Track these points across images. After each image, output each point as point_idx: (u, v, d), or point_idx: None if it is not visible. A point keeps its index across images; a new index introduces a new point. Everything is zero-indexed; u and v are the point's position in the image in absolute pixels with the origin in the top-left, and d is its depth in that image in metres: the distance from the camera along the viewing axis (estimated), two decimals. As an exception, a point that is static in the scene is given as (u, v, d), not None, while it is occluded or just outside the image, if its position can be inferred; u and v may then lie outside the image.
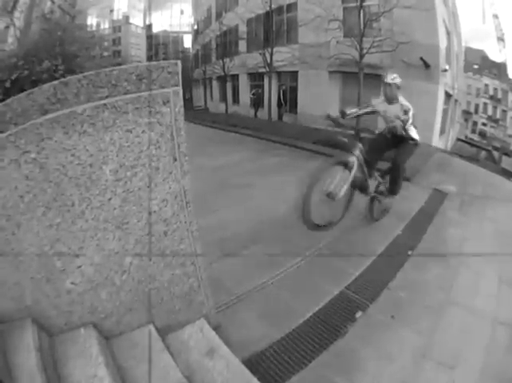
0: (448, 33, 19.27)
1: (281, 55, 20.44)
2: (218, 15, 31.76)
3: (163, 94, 1.95)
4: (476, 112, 31.18)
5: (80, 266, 1.92)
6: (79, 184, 1.81)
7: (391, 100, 4.56)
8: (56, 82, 1.71)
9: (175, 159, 2.04)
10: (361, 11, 14.96)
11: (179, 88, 2.01)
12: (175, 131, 2.01)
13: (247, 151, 10.66)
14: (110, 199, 1.89)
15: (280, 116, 22.32)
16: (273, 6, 21.74)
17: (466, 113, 30.06)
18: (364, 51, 14.75)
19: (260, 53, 20.50)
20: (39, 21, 18.89)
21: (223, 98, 29.59)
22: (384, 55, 16.04)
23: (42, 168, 1.73)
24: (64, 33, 2.56)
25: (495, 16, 28.29)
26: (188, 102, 34.40)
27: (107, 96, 1.79)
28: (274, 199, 5.46)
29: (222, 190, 6.05)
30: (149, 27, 77.69)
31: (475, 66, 30.19)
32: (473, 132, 30.90)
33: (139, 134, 1.91)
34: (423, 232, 4.59)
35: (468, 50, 25.92)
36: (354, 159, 4.32)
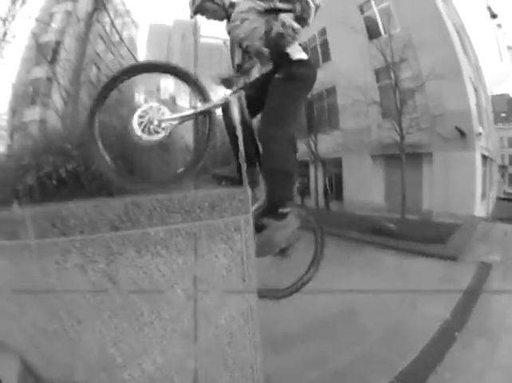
0: (476, 90, 19.25)
1: (325, 143, 20.75)
2: None
3: (234, 221, 2.09)
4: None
5: (141, 364, 1.95)
6: (149, 299, 1.89)
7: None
8: (127, 201, 1.84)
9: (244, 281, 2.14)
10: (396, 89, 15.37)
11: (250, 216, 2.16)
12: (245, 256, 2.13)
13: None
14: (180, 314, 1.97)
15: (327, 205, 22.26)
16: (312, 91, 22.65)
17: (502, 168, 29.22)
18: (404, 132, 14.93)
19: (305, 143, 20.86)
20: (87, 88, 19.15)
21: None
22: (423, 132, 16.06)
23: (111, 279, 1.82)
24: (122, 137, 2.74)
25: (510, 47, 27.71)
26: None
27: (180, 222, 1.92)
28: (324, 296, 5.45)
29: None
30: (195, 108, 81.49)
31: (503, 115, 29.59)
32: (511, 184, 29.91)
33: (211, 258, 2.03)
34: (469, 311, 4.50)
35: (494, 99, 25.21)
36: None
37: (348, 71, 20.07)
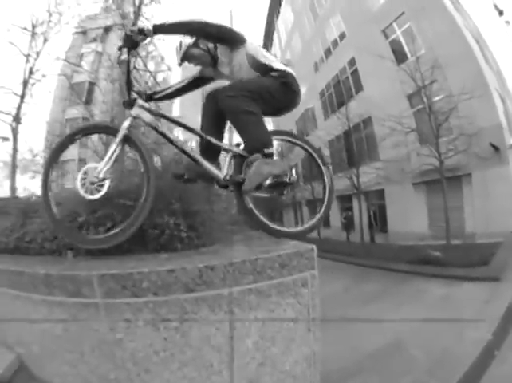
0: (502, 100, 19.04)
1: (367, 175, 20.64)
2: None
3: (301, 278, 2.20)
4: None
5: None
6: (220, 351, 1.95)
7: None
8: (201, 265, 1.93)
9: (309, 330, 2.21)
10: (431, 113, 15.31)
11: (316, 271, 2.27)
12: (311, 308, 2.22)
13: (342, 279, 10.71)
14: (248, 363, 2.01)
15: (372, 238, 22.18)
16: (350, 124, 22.72)
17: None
18: (443, 156, 14.82)
19: (348, 177, 21.05)
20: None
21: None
22: (460, 154, 15.89)
23: (184, 336, 1.88)
24: (184, 193, 2.82)
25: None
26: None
27: (252, 282, 2.02)
28: (373, 331, 5.45)
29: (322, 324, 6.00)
30: (237, 146, 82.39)
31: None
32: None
33: (280, 313, 2.10)
34: (509, 328, 4.44)
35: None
36: None
37: (381, 100, 20.25)
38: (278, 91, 2.97)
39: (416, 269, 12.35)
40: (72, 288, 1.93)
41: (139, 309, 1.87)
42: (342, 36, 27.69)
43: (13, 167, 14.86)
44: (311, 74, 32.17)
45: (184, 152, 2.85)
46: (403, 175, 19.33)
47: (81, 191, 2.47)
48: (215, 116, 3.14)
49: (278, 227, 2.99)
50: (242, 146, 2.93)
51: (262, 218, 2.96)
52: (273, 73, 2.99)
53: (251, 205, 2.99)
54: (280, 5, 43.59)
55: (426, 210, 19.76)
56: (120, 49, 2.74)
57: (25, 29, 16.14)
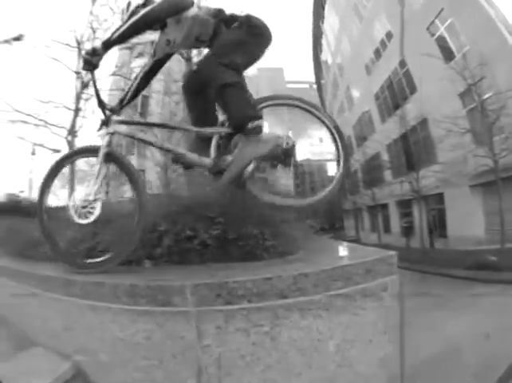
0: None
1: (426, 179, 20.30)
2: (359, 143, 32.43)
3: (383, 283, 2.25)
4: None
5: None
6: (304, 353, 2.01)
7: None
8: (296, 273, 2.01)
9: (385, 333, 2.25)
10: (483, 111, 14.89)
11: (396, 277, 2.33)
12: (389, 311, 2.28)
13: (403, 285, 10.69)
14: (327, 365, 2.06)
15: (431, 243, 21.67)
16: (407, 126, 22.37)
17: None
18: (497, 156, 14.40)
19: (408, 182, 20.87)
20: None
21: (375, 228, 29.35)
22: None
23: (273, 340, 1.94)
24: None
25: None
26: (340, 232, 34.91)
27: (341, 287, 2.08)
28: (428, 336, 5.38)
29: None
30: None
31: None
32: None
33: (363, 316, 2.16)
34: None
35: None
36: None
37: (435, 100, 19.74)
38: (253, 43, 2.83)
39: (475, 275, 12.26)
40: (162, 297, 2.00)
41: (232, 316, 1.93)
42: (389, 36, 27.29)
43: (72, 178, 15.39)
44: (364, 77, 31.90)
45: (167, 150, 2.89)
46: (461, 178, 18.78)
47: (75, 217, 2.55)
48: (200, 102, 2.99)
49: (282, 201, 2.85)
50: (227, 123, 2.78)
51: (266, 194, 2.81)
52: (235, 24, 2.83)
53: (249, 184, 2.81)
54: (323, 8, 43.36)
55: (482, 214, 19.18)
56: (82, 70, 2.81)
57: (67, 45, 16.60)
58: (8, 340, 2.58)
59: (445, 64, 19.48)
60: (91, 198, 2.55)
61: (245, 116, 2.61)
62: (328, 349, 2.07)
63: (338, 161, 2.95)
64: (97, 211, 2.55)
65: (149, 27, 2.73)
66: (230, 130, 2.72)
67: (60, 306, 2.39)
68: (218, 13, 2.85)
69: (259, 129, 2.66)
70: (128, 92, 3.05)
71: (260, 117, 2.68)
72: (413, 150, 23.17)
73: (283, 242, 2.79)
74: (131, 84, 3.10)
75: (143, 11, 2.60)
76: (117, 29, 2.59)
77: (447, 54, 20.33)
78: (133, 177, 2.66)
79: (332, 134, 2.97)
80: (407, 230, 24.21)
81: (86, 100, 16.56)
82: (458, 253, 16.32)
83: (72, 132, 17.22)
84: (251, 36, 2.77)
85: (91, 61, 2.57)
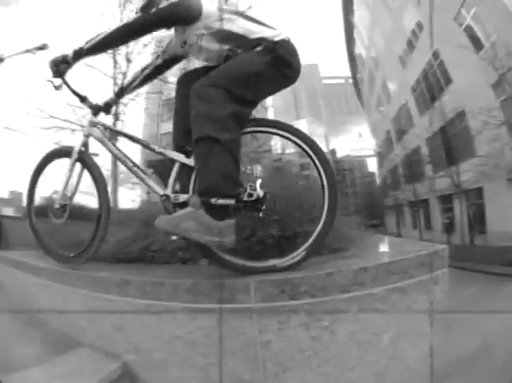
0: None
1: (466, 173, 20.04)
2: (398, 137, 32.01)
3: (435, 276, 2.29)
4: None
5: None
6: (360, 346, 2.07)
7: None
8: (356, 267, 2.07)
9: (432, 326, 2.27)
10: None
11: (446, 270, 2.37)
12: (437, 304, 2.29)
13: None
14: (379, 359, 2.13)
15: (471, 239, 21.17)
16: (445, 119, 21.93)
17: None
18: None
19: (449, 176, 20.71)
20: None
21: (415, 225, 28.89)
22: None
23: (332, 333, 2.00)
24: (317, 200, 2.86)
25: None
26: (380, 228, 34.54)
27: (397, 281, 2.13)
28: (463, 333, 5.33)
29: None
30: (333, 152, 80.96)
31: None
32: None
33: (415, 309, 2.21)
34: None
35: None
36: None
37: (470, 91, 19.31)
38: (269, 73, 2.25)
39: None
40: (225, 294, 2.04)
41: (295, 312, 1.98)
42: (420, 27, 26.92)
43: (115, 180, 15.55)
44: (399, 70, 31.41)
45: (130, 168, 2.55)
46: (499, 171, 18.29)
47: (52, 217, 2.70)
48: (184, 111, 2.36)
49: (244, 262, 2.37)
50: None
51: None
52: (258, 48, 2.26)
53: None
54: (352, 2, 42.96)
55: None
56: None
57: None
58: (47, 342, 2.58)
59: (475, 54, 19.05)
60: (62, 202, 2.67)
61: (211, 188, 2.10)
62: (382, 342, 2.12)
63: (323, 194, 2.41)
64: (66, 214, 2.68)
65: (128, 40, 2.50)
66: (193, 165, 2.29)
67: (110, 307, 2.42)
68: (236, 37, 2.31)
69: (222, 212, 2.12)
70: (133, 82, 2.89)
71: (231, 197, 2.13)
72: (453, 143, 22.72)
73: (336, 238, 2.83)
74: (132, 80, 2.91)
75: (125, 21, 2.38)
76: (92, 39, 2.34)
77: (477, 44, 19.90)
78: (98, 180, 2.67)
79: (313, 161, 2.45)
80: (449, 227, 23.74)
81: (125, 105, 16.77)
82: (497, 249, 16.00)
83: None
84: (274, 69, 2.25)
85: (57, 69, 2.45)
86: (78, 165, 2.66)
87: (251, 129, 2.42)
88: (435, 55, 24.80)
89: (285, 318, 1.98)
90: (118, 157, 2.54)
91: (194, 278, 2.23)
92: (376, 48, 37.49)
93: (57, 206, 2.66)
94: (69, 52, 2.42)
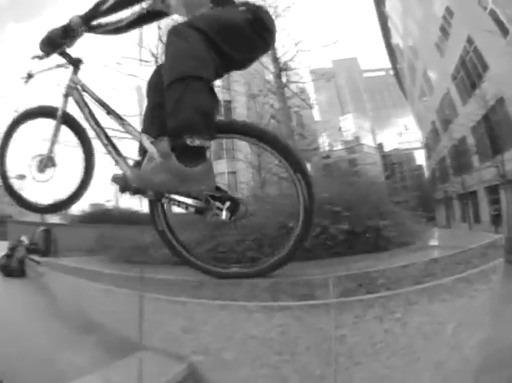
0: None
1: (511, 162, 19.37)
2: (444, 128, 31.28)
3: (493, 265, 2.37)
4: None
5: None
6: (426, 337, 2.13)
7: None
8: (427, 259, 2.15)
9: (488, 315, 2.40)
10: None
11: (502, 259, 2.45)
12: (495, 294, 2.41)
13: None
14: (441, 348, 2.19)
15: (517, 232, 19.83)
16: (486, 106, 21.36)
17: None
18: None
19: (495, 166, 20.09)
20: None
21: (464, 218, 28.31)
22: None
23: (403, 325, 2.05)
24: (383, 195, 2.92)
25: None
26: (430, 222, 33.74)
27: (462, 271, 2.20)
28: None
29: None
30: (380, 146, 79.93)
31: None
32: None
33: (478, 299, 2.28)
34: None
35: None
36: None
37: (506, 77, 18.75)
38: (248, 32, 2.17)
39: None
40: (303, 291, 2.08)
41: (371, 305, 2.03)
42: (450, 13, 26.47)
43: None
44: (438, 58, 30.70)
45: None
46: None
47: (34, 174, 2.56)
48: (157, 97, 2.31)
49: (210, 267, 2.44)
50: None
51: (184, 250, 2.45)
52: (242, 8, 2.21)
53: (165, 224, 2.44)
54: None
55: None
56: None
57: (144, 61, 17.01)
58: (103, 348, 2.62)
59: (504, 39, 18.49)
60: (46, 159, 2.55)
61: (184, 125, 1.93)
62: (445, 332, 2.18)
63: (299, 206, 2.24)
64: (51, 172, 2.58)
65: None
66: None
67: (179, 309, 2.44)
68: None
69: (198, 155, 1.97)
70: (107, 25, 2.56)
71: (208, 136, 1.99)
72: (496, 131, 22.04)
73: (403, 233, 2.87)
74: (118, 21, 2.56)
75: None
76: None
77: (503, 28, 19.27)
78: (85, 140, 2.55)
79: (290, 175, 2.24)
80: (496, 219, 23.03)
81: None
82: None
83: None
84: (253, 29, 2.17)
85: (54, 43, 2.42)
86: (59, 125, 2.54)
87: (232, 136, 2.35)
88: (469, 41, 24.15)
89: (361, 312, 2.03)
90: (93, 128, 2.40)
91: (274, 278, 2.27)
92: (412, 37, 36.81)
93: (39, 162, 2.57)
94: (66, 21, 2.36)
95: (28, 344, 2.75)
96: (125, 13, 2.50)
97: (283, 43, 13.72)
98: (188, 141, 1.87)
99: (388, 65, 60.68)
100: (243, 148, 22.79)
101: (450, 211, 34.30)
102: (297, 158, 2.21)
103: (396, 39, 45.55)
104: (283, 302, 2.10)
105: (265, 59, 13.43)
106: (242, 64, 2.37)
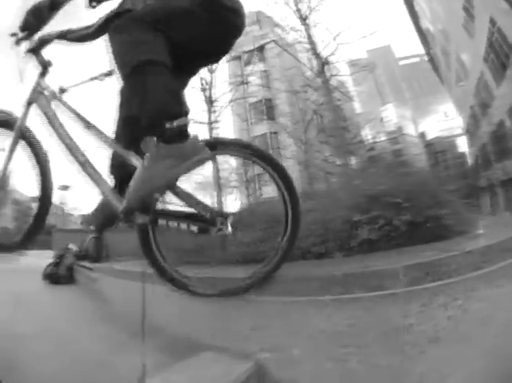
0: None
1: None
2: (483, 112, 30.22)
3: None
4: None
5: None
6: (482, 324, 2.08)
7: None
8: (482, 246, 2.28)
9: None
10: None
11: None
12: None
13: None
14: (487, 335, 2.07)
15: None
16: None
17: None
18: None
19: None
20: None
21: (508, 206, 27.53)
22: None
23: (464, 312, 2.09)
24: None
25: None
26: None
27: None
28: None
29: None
30: (422, 135, 78.43)
31: None
32: None
33: None
34: None
35: None
36: None
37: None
38: (201, 14, 1.94)
39: None
40: (374, 283, 2.17)
41: (435, 294, 2.10)
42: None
43: (218, 185, 15.63)
44: (467, 41, 29.81)
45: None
46: None
47: None
48: None
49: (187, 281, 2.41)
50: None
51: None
52: None
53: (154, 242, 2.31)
54: (402, -25, 41.53)
55: None
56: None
57: None
58: (162, 351, 2.47)
59: None
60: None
61: (162, 110, 1.82)
62: (496, 318, 2.14)
63: (286, 221, 2.21)
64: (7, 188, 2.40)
65: None
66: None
67: (244, 307, 2.44)
68: None
69: (183, 133, 1.89)
70: (79, 31, 2.31)
71: (185, 113, 1.91)
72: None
73: (461, 222, 2.90)
74: (89, 27, 2.28)
75: None
76: None
77: None
78: (40, 159, 2.22)
79: (277, 185, 2.23)
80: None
81: (214, 112, 17.06)
82: None
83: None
84: (206, 10, 1.94)
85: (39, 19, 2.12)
86: (17, 139, 2.20)
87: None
88: (492, 22, 23.42)
89: (427, 300, 2.08)
90: (61, 138, 2.11)
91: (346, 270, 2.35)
92: (442, 22, 35.90)
93: None
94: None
95: (82, 347, 2.66)
96: (92, 20, 2.26)
97: (322, 38, 13.78)
98: (168, 126, 1.79)
99: (422, 50, 59.09)
100: (287, 145, 22.93)
101: (494, 198, 33.23)
102: (285, 172, 2.23)
103: (425, 23, 44.50)
104: (353, 294, 2.18)
105: (305, 54, 13.50)
106: (210, 53, 2.22)
